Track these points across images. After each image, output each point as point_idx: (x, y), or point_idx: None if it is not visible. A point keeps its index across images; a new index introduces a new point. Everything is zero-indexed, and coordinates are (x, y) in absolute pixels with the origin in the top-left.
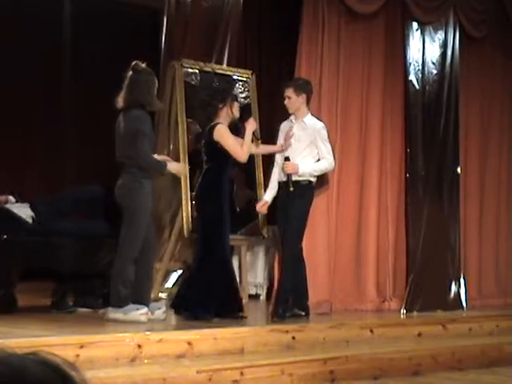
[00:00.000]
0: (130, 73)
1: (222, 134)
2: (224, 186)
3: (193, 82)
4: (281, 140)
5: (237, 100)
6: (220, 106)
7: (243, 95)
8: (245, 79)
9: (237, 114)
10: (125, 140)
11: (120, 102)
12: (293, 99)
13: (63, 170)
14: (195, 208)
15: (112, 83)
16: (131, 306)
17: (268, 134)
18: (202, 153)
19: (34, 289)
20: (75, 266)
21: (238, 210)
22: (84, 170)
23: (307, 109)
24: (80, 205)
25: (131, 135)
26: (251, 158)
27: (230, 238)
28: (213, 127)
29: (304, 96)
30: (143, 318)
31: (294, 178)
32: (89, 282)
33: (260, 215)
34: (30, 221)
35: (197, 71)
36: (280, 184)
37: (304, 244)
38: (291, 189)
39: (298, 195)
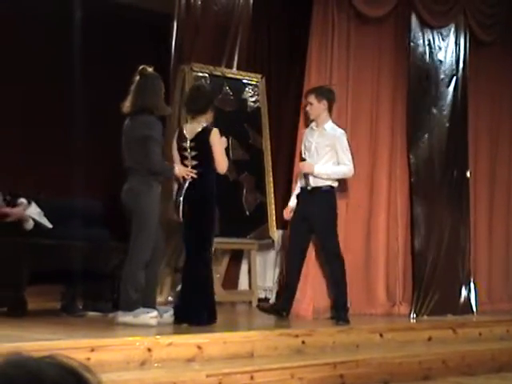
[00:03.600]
0: (137, 77)
1: (218, 139)
2: (215, 191)
3: None
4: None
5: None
6: (209, 108)
7: (253, 99)
8: (254, 83)
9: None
10: (134, 145)
11: (127, 106)
12: (314, 105)
13: (67, 172)
14: (186, 213)
15: (122, 87)
16: (141, 309)
17: (277, 138)
18: (191, 155)
19: (43, 292)
20: (84, 268)
21: (247, 213)
22: (88, 172)
23: (328, 116)
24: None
25: (141, 140)
26: (260, 162)
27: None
28: (209, 129)
29: (325, 103)
30: (153, 322)
31: (315, 183)
32: (98, 286)
33: (269, 219)
34: (50, 225)
35: (207, 75)
36: (301, 189)
37: (313, 249)
38: (309, 188)
39: (321, 202)
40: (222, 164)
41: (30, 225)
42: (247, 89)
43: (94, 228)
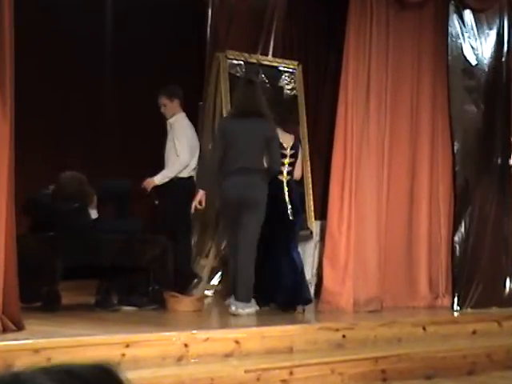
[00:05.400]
0: (244, 83)
1: None
2: None
3: (238, 74)
4: None
5: None
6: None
7: (289, 87)
8: (291, 70)
9: None
10: (254, 145)
11: (237, 108)
12: (168, 106)
13: (102, 163)
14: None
15: (157, 75)
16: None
17: (314, 127)
18: (288, 161)
19: (76, 286)
20: (119, 262)
21: None
22: (121, 162)
23: (181, 111)
24: (108, 199)
25: (263, 141)
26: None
27: None
28: (300, 140)
29: (177, 101)
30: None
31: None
32: (133, 280)
33: (307, 209)
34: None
35: (242, 63)
36: None
37: (353, 240)
38: (156, 202)
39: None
40: (301, 172)
41: (94, 213)
42: (283, 76)
43: (128, 220)
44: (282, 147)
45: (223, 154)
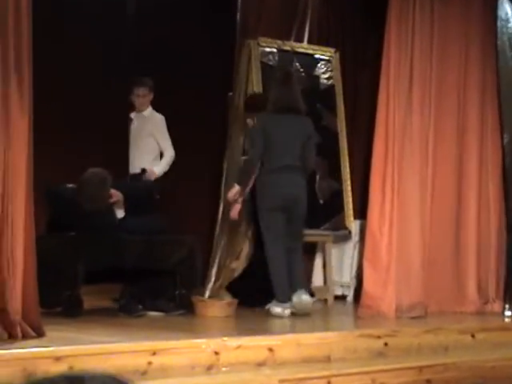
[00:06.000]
0: (282, 75)
1: None
2: None
3: (270, 63)
4: None
5: None
6: None
7: (326, 76)
8: (327, 58)
9: None
10: (297, 142)
11: (274, 104)
12: (147, 97)
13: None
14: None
15: (182, 66)
16: None
17: (353, 119)
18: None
19: (99, 291)
20: (144, 264)
21: (321, 202)
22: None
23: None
24: (129, 200)
25: (305, 139)
26: (335, 145)
27: None
28: None
29: (152, 94)
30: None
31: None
32: (159, 283)
33: (346, 208)
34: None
35: (275, 50)
36: None
37: (395, 240)
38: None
39: None
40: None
41: (121, 213)
42: (319, 65)
43: (155, 218)
44: None
45: (263, 151)
